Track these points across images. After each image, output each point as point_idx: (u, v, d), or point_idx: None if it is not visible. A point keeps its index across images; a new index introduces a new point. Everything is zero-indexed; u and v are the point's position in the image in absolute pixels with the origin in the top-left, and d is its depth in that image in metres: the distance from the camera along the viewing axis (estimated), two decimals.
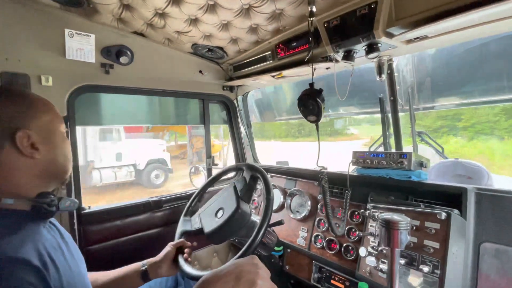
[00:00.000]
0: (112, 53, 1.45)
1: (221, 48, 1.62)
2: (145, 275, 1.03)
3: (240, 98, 2.15)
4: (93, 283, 0.94)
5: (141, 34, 1.48)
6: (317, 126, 1.23)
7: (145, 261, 1.07)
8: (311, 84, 1.20)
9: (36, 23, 1.24)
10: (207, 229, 1.13)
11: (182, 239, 1.20)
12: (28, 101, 0.71)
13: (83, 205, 1.48)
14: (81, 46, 1.36)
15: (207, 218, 1.20)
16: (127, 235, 1.57)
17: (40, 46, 1.26)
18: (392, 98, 1.48)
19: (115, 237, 1.53)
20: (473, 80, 1.52)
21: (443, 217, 0.95)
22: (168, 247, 1.12)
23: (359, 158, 1.37)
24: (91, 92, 1.50)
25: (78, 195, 1.45)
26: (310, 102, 1.16)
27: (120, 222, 1.55)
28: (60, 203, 0.74)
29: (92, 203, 1.58)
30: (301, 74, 1.54)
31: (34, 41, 1.25)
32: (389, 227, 0.71)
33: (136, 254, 1.58)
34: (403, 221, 0.70)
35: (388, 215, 0.74)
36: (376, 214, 1.19)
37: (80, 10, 1.26)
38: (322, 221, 1.49)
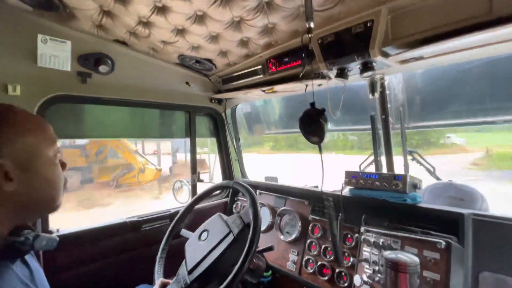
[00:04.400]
0: (90, 61, 1.34)
1: (209, 60, 1.55)
2: None
3: (228, 111, 2.08)
4: None
5: (123, 43, 1.38)
6: (319, 147, 1.14)
7: None
8: (312, 104, 1.12)
9: (4, 27, 1.12)
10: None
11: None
12: (5, 121, 0.61)
13: (50, 227, 1.33)
14: (56, 53, 1.25)
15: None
16: (101, 260, 1.42)
17: (8, 52, 1.14)
18: (383, 117, 1.46)
19: (87, 262, 1.37)
20: (462, 101, 1.53)
21: (442, 247, 0.90)
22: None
23: (352, 178, 1.32)
24: (65, 103, 1.37)
25: (45, 217, 1.30)
26: (312, 123, 1.09)
27: (94, 245, 1.40)
28: (35, 242, 0.63)
29: None
30: (293, 90, 1.49)
31: (1, 47, 1.12)
32: (397, 269, 0.64)
33: (112, 280, 1.43)
34: (413, 263, 0.64)
35: (393, 254, 0.67)
36: (371, 239, 1.14)
37: (55, 15, 1.15)
38: (314, 243, 1.42)
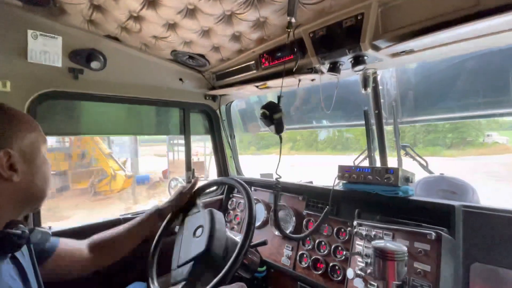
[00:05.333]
0: (82, 57, 1.32)
1: (202, 56, 1.55)
2: (161, 214, 1.17)
3: (223, 108, 2.07)
4: (108, 237, 1.05)
5: (115, 38, 1.37)
6: (280, 138, 1.23)
7: (157, 205, 1.19)
8: (279, 97, 1.16)
9: None
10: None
11: (195, 180, 1.26)
12: (13, 118, 0.67)
13: (43, 225, 1.32)
14: (46, 49, 1.24)
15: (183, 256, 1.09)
16: None
17: None
18: (376, 111, 1.46)
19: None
20: (454, 95, 1.54)
21: (433, 238, 0.91)
22: (180, 190, 1.23)
23: (345, 172, 1.32)
24: (56, 99, 1.36)
25: (37, 214, 1.29)
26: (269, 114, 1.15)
27: None
28: (31, 235, 0.66)
29: None
30: (286, 85, 1.49)
31: None
32: (384, 257, 0.64)
33: (106, 278, 1.42)
34: (400, 251, 0.64)
35: (381, 243, 0.68)
36: (363, 232, 1.14)
37: (45, 10, 1.14)
38: (308, 238, 1.42)
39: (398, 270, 0.65)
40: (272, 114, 1.11)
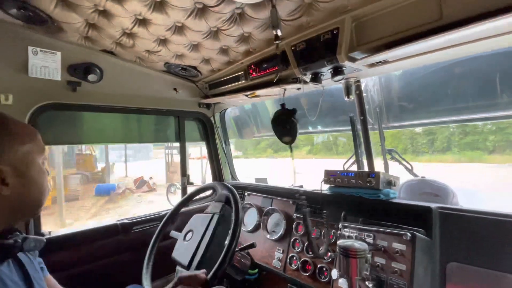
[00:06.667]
0: (80, 71, 1.40)
1: (194, 67, 1.62)
2: None
3: (217, 115, 2.14)
4: None
5: (111, 52, 1.46)
6: (290, 147, 1.24)
7: None
8: (283, 105, 1.20)
9: None
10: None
11: None
12: (5, 132, 0.65)
13: (43, 230, 1.38)
14: (46, 64, 1.32)
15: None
16: (93, 261, 1.47)
17: (0, 64, 1.21)
18: (362, 117, 1.52)
19: (79, 264, 1.42)
20: (437, 100, 1.59)
21: (408, 238, 0.95)
22: None
23: (330, 176, 1.38)
24: (56, 110, 1.44)
25: (37, 219, 1.36)
26: (285, 123, 1.17)
27: (85, 247, 1.44)
28: (24, 243, 0.67)
29: None
30: (274, 94, 1.55)
31: None
32: (346, 255, 0.69)
33: (103, 281, 1.47)
34: (360, 249, 0.69)
35: (348, 242, 0.73)
36: (347, 234, 1.19)
37: (44, 28, 1.22)
38: (298, 241, 1.46)
39: (360, 267, 0.70)
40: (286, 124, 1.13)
